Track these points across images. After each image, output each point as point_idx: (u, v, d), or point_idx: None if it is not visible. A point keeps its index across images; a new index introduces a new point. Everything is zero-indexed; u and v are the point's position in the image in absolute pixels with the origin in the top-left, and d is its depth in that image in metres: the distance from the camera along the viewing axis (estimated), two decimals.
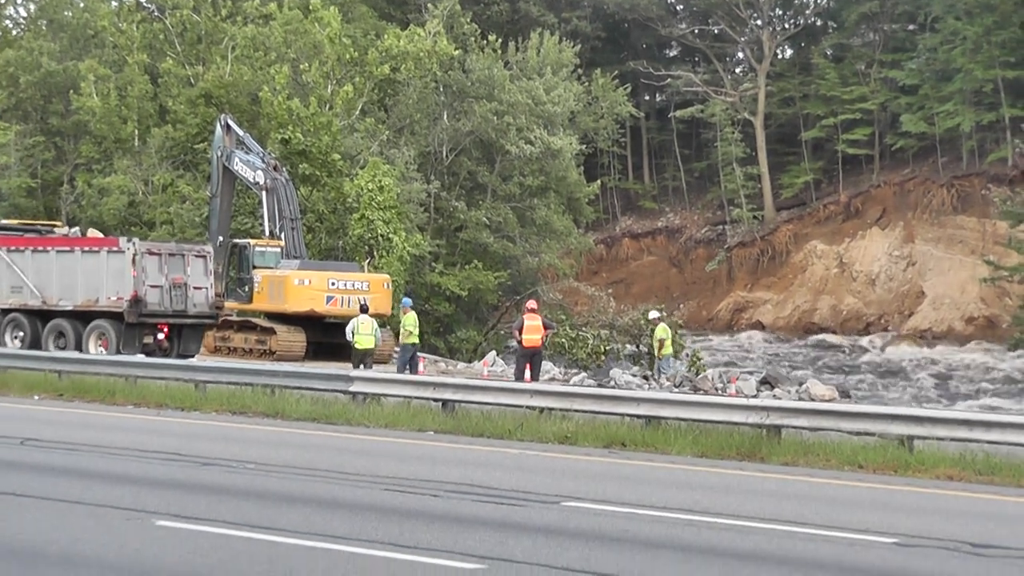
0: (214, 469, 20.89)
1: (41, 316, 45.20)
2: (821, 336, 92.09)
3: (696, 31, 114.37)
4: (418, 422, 29.06)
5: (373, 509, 17.14)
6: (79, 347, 43.44)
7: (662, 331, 45.17)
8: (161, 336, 44.30)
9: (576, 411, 29.09)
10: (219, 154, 54.22)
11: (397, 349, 52.92)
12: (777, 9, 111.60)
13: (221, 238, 52.51)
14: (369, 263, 57.22)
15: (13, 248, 46.14)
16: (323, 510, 16.79)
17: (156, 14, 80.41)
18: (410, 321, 41.39)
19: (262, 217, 53.59)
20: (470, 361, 60.09)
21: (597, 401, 29.35)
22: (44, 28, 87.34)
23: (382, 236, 59.79)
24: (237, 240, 53.00)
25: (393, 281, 55.22)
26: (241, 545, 14.15)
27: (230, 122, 54.70)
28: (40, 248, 45.98)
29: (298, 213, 53.78)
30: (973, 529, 17.29)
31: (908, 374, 70.10)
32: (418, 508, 17.37)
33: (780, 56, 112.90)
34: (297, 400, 32.14)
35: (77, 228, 53.04)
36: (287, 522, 15.57)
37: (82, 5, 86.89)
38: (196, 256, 45.89)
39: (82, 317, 44.33)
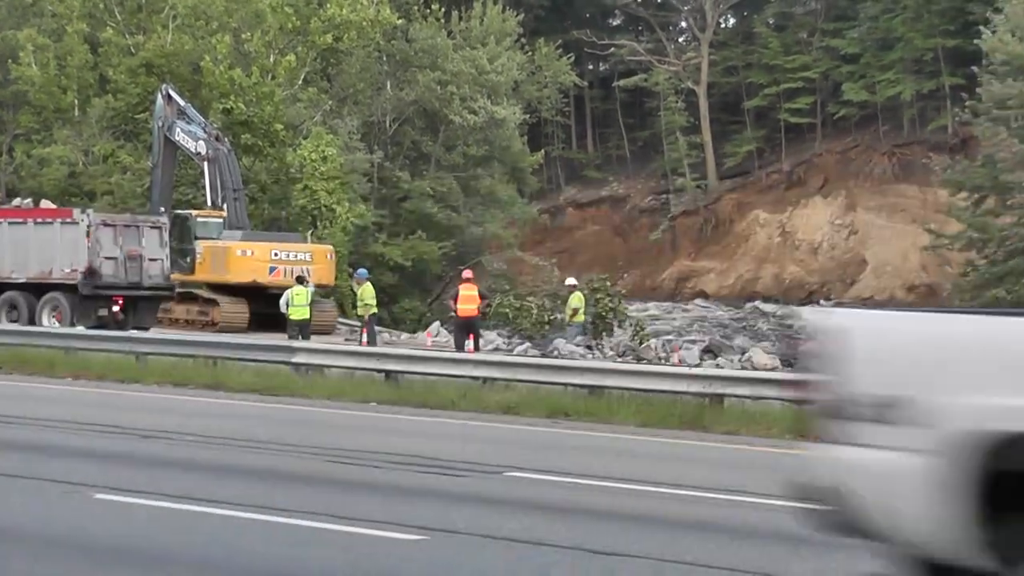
0: (154, 441, 20.75)
1: None
2: (764, 304, 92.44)
3: (639, 0, 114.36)
4: (361, 393, 28.96)
5: (315, 480, 17.06)
6: (32, 320, 42.86)
7: (576, 299, 44.86)
8: (116, 308, 43.74)
9: (519, 381, 29.06)
10: (160, 124, 53.87)
11: (341, 319, 52.98)
12: None
13: (163, 209, 52.15)
14: (312, 234, 57.03)
15: None
16: (264, 482, 16.70)
17: None
18: (368, 293, 41.47)
19: (204, 188, 53.33)
20: (414, 331, 60.01)
21: (540, 371, 29.36)
22: None
23: (325, 207, 59.62)
24: (179, 211, 52.70)
25: (336, 252, 55.08)
26: (180, 518, 14.04)
27: (171, 92, 54.37)
28: None
29: (240, 184, 53.54)
30: None
31: None
32: (360, 479, 17.32)
33: (723, 25, 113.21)
34: (239, 371, 31.99)
35: (29, 199, 52.36)
36: (227, 494, 15.46)
37: None
38: (151, 228, 45.55)
39: (35, 289, 43.80)
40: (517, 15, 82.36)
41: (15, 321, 43.05)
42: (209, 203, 52.25)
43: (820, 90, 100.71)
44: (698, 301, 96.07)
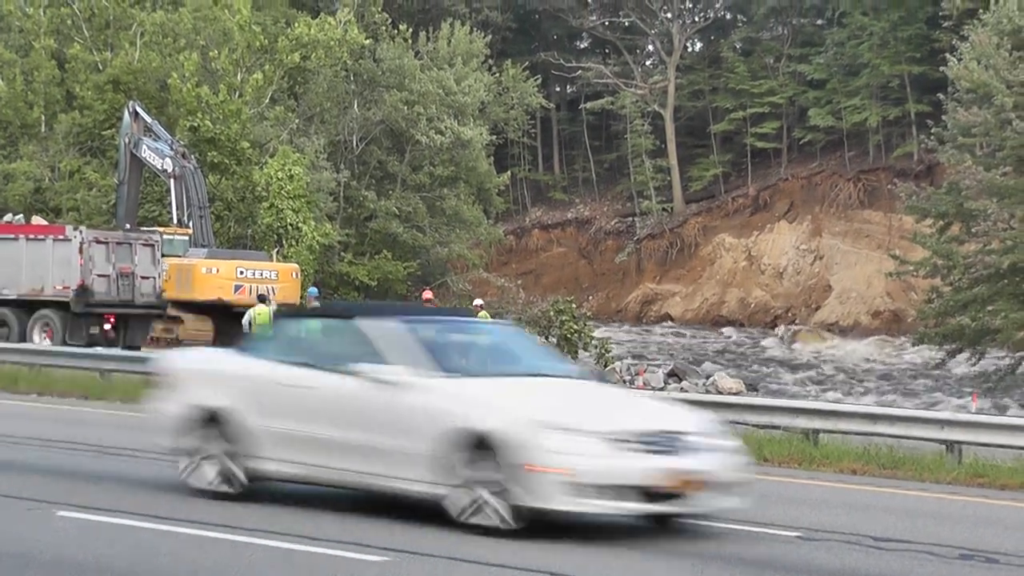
0: (118, 459, 20.70)
1: None
2: (729, 329, 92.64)
3: (607, 23, 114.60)
4: None
5: (279, 500, 17.03)
6: (23, 337, 42.40)
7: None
8: (108, 326, 43.34)
9: None
10: (127, 141, 53.77)
11: None
12: (687, 2, 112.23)
13: (128, 226, 52.01)
14: (278, 252, 56.99)
15: None
16: (232, 503, 16.65)
17: None
18: None
19: (170, 205, 53.28)
20: None
21: None
22: None
23: (291, 225, 59.61)
24: (145, 228, 52.55)
25: (302, 270, 55.05)
26: (143, 536, 14.01)
27: (138, 109, 54.30)
28: None
29: (206, 201, 53.49)
30: (876, 523, 17.44)
31: (814, 367, 70.66)
32: (334, 500, 17.29)
33: (690, 49, 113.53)
34: None
35: (21, 215, 51.95)
36: (192, 513, 15.43)
37: None
38: (144, 245, 45.12)
39: (26, 306, 43.39)
40: (484, 36, 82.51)
41: (5, 338, 42.55)
42: (175, 220, 52.21)
43: (786, 115, 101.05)
44: (663, 324, 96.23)
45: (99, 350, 38.57)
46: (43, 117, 71.81)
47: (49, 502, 15.88)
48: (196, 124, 60.41)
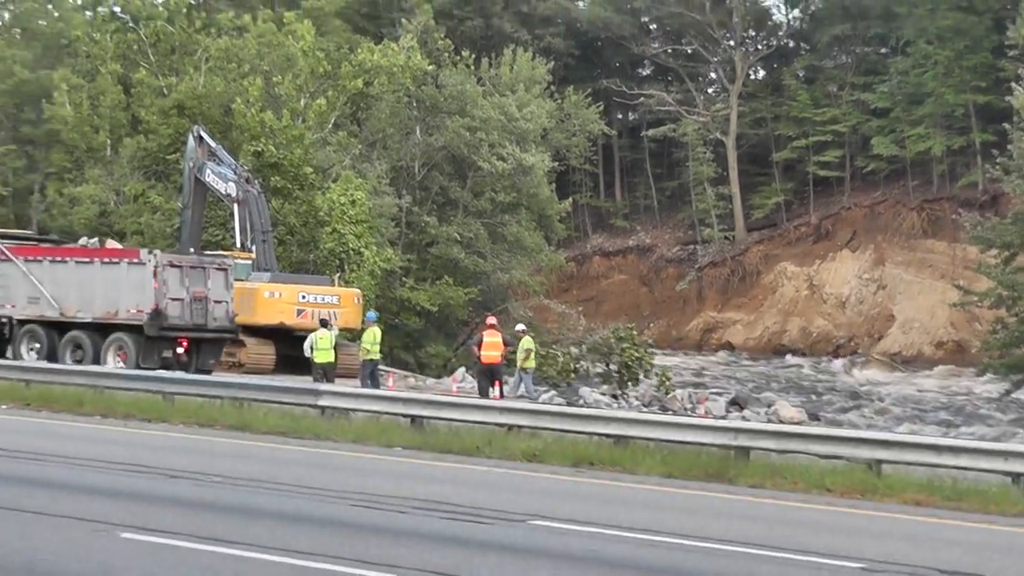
0: (180, 482, 20.78)
1: (58, 328, 44.10)
2: (791, 357, 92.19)
3: (669, 50, 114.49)
4: (386, 437, 28.95)
5: (339, 524, 17.07)
6: (97, 360, 42.38)
7: (528, 343, 43.79)
8: (180, 350, 43.26)
9: (544, 429, 29.05)
10: (191, 165, 54.07)
11: None
12: (750, 30, 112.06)
13: (192, 249, 52.26)
14: (340, 277, 57.12)
15: (30, 258, 45.11)
16: (289, 525, 16.70)
17: (130, 24, 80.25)
18: (368, 337, 41.39)
19: (233, 229, 53.50)
20: (439, 377, 60.01)
21: (566, 419, 29.32)
22: (18, 37, 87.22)
23: (353, 250, 59.76)
24: (208, 252, 52.78)
25: (363, 295, 55.18)
26: (206, 559, 14.06)
27: (203, 133, 54.60)
28: (58, 258, 44.99)
29: (269, 226, 53.71)
30: (941, 555, 17.29)
31: (877, 397, 70.15)
32: (384, 524, 17.30)
33: (752, 77, 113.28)
34: (265, 413, 32.00)
35: (96, 239, 52.19)
36: (252, 536, 15.49)
37: (56, 15, 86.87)
38: (217, 269, 44.94)
39: (100, 329, 43.32)
40: (547, 63, 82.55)
41: (79, 361, 42.61)
42: (238, 245, 52.42)
43: (849, 144, 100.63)
44: (724, 352, 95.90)
45: (162, 373, 38.73)
46: (109, 141, 72.38)
47: (113, 524, 15.97)
48: (260, 149, 60.69)
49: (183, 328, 43.33)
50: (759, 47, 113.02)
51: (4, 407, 34.08)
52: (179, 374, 38.89)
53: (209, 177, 53.35)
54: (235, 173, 52.90)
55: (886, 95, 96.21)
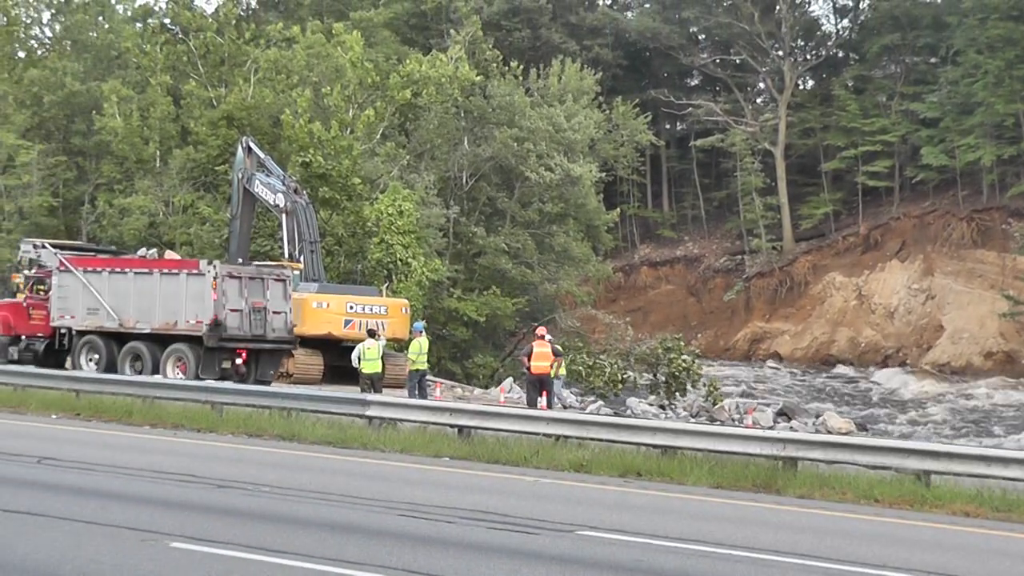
0: (229, 491, 20.88)
1: (117, 339, 44.19)
2: (839, 368, 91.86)
3: (717, 60, 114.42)
4: (434, 448, 29.01)
5: (387, 534, 17.11)
6: (156, 371, 42.48)
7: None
8: (239, 361, 43.23)
9: (592, 439, 29.06)
10: (240, 176, 54.30)
11: None
12: (799, 40, 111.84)
13: (241, 260, 52.44)
14: (388, 287, 57.25)
15: (90, 269, 45.10)
16: (337, 535, 16.77)
17: (179, 36, 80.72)
18: (413, 348, 41.48)
19: (281, 239, 53.70)
20: (487, 387, 60.09)
21: (613, 430, 29.30)
22: (69, 48, 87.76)
23: (401, 260, 59.87)
24: (258, 263, 52.97)
25: (411, 306, 55.29)
26: (255, 568, 14.13)
27: (251, 144, 54.83)
28: (117, 269, 44.92)
29: (317, 236, 53.88)
30: (990, 566, 17.22)
31: (926, 408, 69.86)
32: (432, 534, 17.34)
33: (801, 87, 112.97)
34: (313, 423, 32.10)
35: (154, 250, 52.42)
36: (301, 546, 15.56)
37: (107, 26, 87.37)
38: (275, 280, 44.82)
39: (159, 340, 43.34)
40: (595, 74, 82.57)
41: (139, 372, 42.73)
42: (286, 255, 52.60)
43: (898, 154, 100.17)
44: (771, 363, 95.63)
45: (211, 383, 38.84)
46: (158, 152, 72.75)
47: (162, 533, 16.07)
48: (308, 160, 60.88)
49: (242, 339, 43.27)
50: (808, 57, 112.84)
51: (55, 417, 34.31)
52: (228, 384, 39.00)
53: (258, 188, 53.56)
54: (283, 184, 53.11)
55: (936, 105, 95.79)
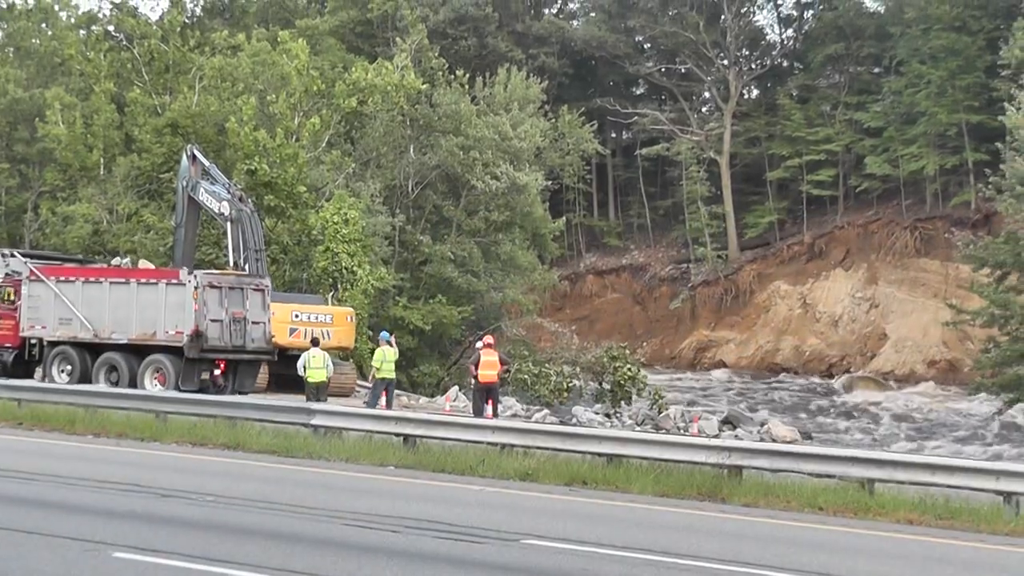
0: (173, 501, 20.78)
1: (91, 349, 43.58)
2: (784, 376, 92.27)
3: (663, 69, 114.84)
4: (379, 456, 28.96)
5: (333, 544, 17.06)
6: (133, 382, 41.81)
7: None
8: (218, 372, 42.84)
9: (538, 448, 29.07)
10: (184, 184, 53.94)
11: (361, 383, 53.00)
12: (744, 49, 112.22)
13: (185, 268, 52.17)
14: (333, 296, 57.12)
15: (62, 278, 44.50)
16: (283, 544, 16.71)
17: (124, 43, 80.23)
18: (377, 356, 41.43)
19: (227, 247, 53.40)
20: (432, 396, 60.01)
21: (559, 438, 29.32)
22: (11, 55, 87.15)
23: (346, 269, 59.73)
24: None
25: (357, 314, 55.18)
26: None
27: (196, 152, 54.51)
28: (92, 279, 44.30)
29: (263, 244, 53.57)
30: (933, 574, 17.31)
31: (870, 416, 70.21)
32: (378, 544, 17.31)
33: (746, 96, 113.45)
34: (258, 432, 31.99)
35: (128, 259, 51.96)
36: (246, 556, 15.49)
37: (50, 33, 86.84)
38: (255, 290, 44.54)
39: (137, 351, 42.74)
40: (541, 82, 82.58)
41: (115, 383, 42.13)
42: (231, 263, 52.25)
43: (843, 163, 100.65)
44: (717, 371, 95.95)
45: (155, 392, 38.64)
46: (102, 160, 72.26)
47: (106, 543, 15.98)
48: (253, 168, 60.68)
49: (222, 350, 42.87)
50: (753, 66, 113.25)
51: None
52: (172, 393, 38.78)
53: (202, 196, 53.22)
54: (228, 192, 52.79)
55: (879, 114, 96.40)
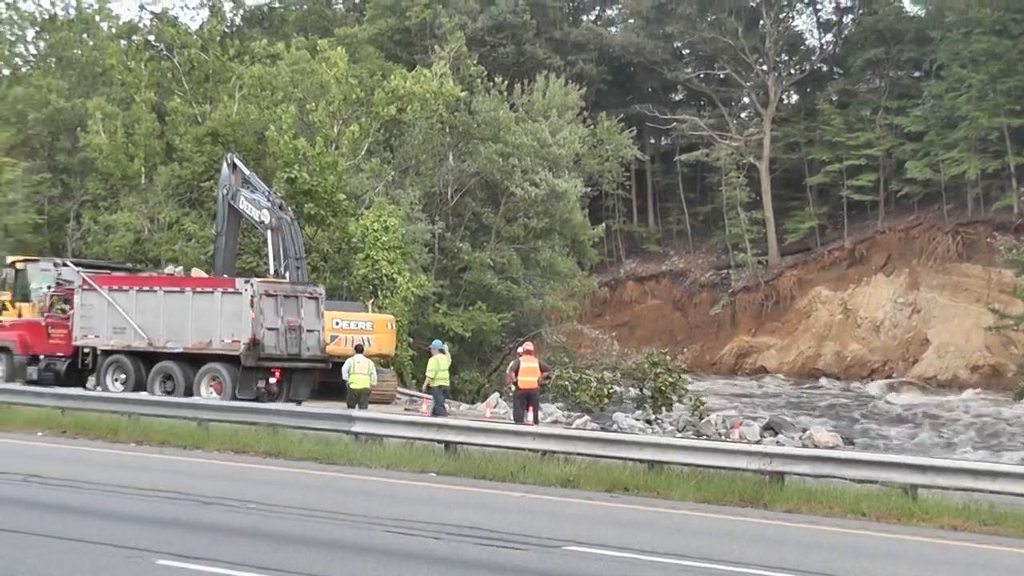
0: (215, 508, 20.83)
1: (145, 358, 43.54)
2: (825, 382, 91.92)
3: (702, 75, 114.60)
4: (420, 463, 28.96)
5: (374, 551, 17.08)
6: (189, 391, 41.81)
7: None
8: (272, 380, 42.70)
9: (579, 454, 29.03)
10: (225, 192, 54.12)
11: (401, 390, 53.06)
12: (783, 54, 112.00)
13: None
14: (373, 303, 57.19)
15: (115, 287, 44.52)
16: (324, 551, 16.73)
17: (164, 53, 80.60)
18: (431, 366, 41.40)
19: (267, 256, 53.55)
20: (473, 402, 60.01)
21: (600, 445, 29.28)
22: (53, 66, 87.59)
23: (386, 276, 59.81)
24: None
25: (397, 321, 55.24)
26: None
27: (236, 161, 54.69)
28: (146, 288, 44.30)
29: (303, 252, 53.71)
30: None
31: (912, 422, 69.89)
32: (419, 550, 17.31)
33: (785, 101, 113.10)
34: (299, 440, 32.04)
35: (180, 267, 52.05)
36: (288, 563, 15.51)
37: (91, 43, 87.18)
38: (309, 298, 44.49)
39: (191, 360, 42.72)
40: (579, 89, 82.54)
41: (170, 392, 42.20)
42: (272, 271, 52.39)
43: (883, 168, 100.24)
44: (758, 377, 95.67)
45: (197, 400, 38.69)
46: (143, 169, 72.55)
47: (149, 551, 16.02)
48: (293, 176, 60.85)
49: (278, 358, 42.78)
50: (792, 71, 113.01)
51: (40, 434, 34.22)
52: (214, 401, 38.85)
53: (243, 204, 53.38)
54: (268, 200, 52.95)
55: (920, 119, 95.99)
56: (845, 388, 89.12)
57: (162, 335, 43.29)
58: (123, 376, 43.83)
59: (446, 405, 41.44)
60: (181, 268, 50.68)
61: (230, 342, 42.04)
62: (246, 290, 42.21)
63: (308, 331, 43.73)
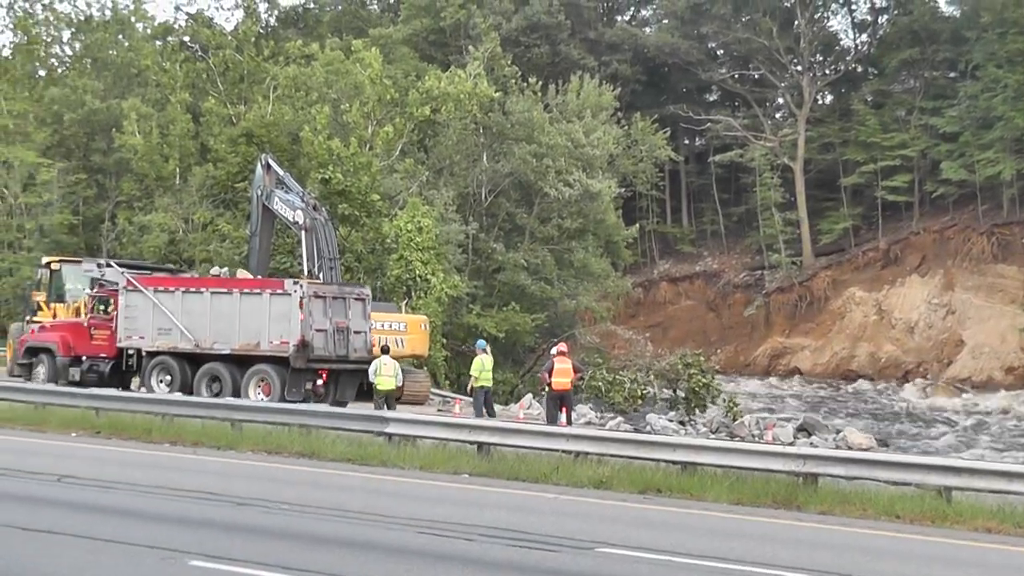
0: (248, 509, 20.87)
1: (192, 360, 43.30)
2: (859, 383, 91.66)
3: (736, 76, 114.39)
4: (453, 464, 28.95)
5: (407, 552, 17.09)
6: (236, 392, 41.59)
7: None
8: (319, 382, 42.47)
9: (612, 456, 28.97)
10: (259, 193, 54.21)
11: (435, 391, 53.06)
12: (817, 55, 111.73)
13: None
14: (407, 304, 57.25)
15: (160, 288, 44.23)
16: (357, 552, 16.76)
17: (199, 54, 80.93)
18: (475, 366, 41.25)
19: (301, 256, 53.64)
20: (506, 403, 60.01)
21: (633, 446, 29.21)
22: (89, 67, 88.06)
23: (420, 277, 59.89)
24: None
25: (430, 322, 55.27)
26: None
27: (270, 161, 54.76)
28: (192, 289, 44.00)
29: (337, 253, 53.76)
30: None
31: (947, 423, 69.62)
32: (452, 552, 17.32)
33: (820, 102, 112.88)
34: (332, 441, 32.05)
35: (226, 268, 52.05)
36: (321, 564, 15.54)
37: (127, 44, 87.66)
38: (356, 299, 44.35)
39: (239, 361, 42.50)
40: (613, 89, 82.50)
41: (217, 393, 42.04)
42: (306, 272, 52.46)
43: (918, 168, 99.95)
44: (791, 378, 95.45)
45: (230, 401, 38.63)
46: (178, 170, 72.83)
47: (182, 551, 16.07)
48: (327, 176, 60.97)
49: (327, 360, 42.62)
50: (827, 72, 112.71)
51: (74, 435, 34.32)
52: (247, 401, 38.85)
53: (277, 205, 53.45)
54: (302, 200, 53.02)
55: (955, 119, 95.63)
56: (879, 389, 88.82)
57: (209, 336, 43.05)
58: (168, 378, 43.55)
59: (494, 407, 41.13)
60: (227, 269, 50.66)
61: (279, 343, 41.79)
62: (295, 291, 41.95)
63: (355, 332, 43.60)
